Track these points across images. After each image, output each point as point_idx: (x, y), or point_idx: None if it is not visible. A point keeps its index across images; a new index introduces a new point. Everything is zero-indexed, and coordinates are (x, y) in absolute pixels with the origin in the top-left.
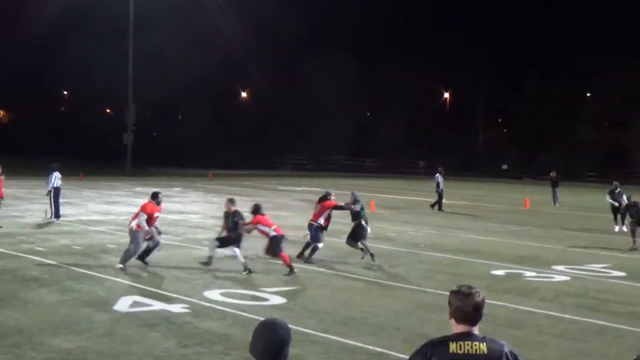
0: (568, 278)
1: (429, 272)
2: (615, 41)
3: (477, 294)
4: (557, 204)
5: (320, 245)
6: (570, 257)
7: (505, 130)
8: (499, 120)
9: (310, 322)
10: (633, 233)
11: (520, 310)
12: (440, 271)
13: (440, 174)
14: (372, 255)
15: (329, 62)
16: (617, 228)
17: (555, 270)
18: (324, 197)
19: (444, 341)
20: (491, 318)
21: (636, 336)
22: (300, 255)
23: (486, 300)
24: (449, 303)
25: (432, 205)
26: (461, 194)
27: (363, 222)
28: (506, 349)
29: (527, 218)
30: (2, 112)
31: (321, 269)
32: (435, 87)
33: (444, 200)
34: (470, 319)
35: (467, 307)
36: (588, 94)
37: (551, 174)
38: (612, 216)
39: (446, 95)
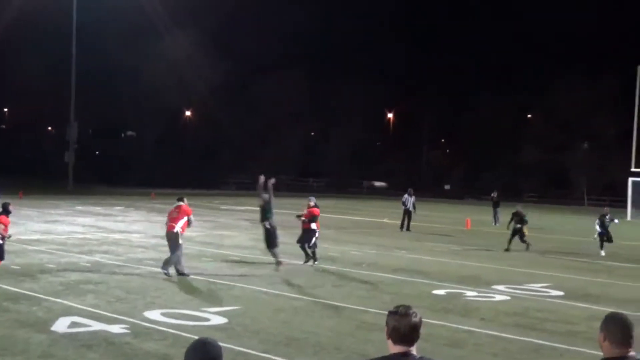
0: (508, 297)
1: (370, 291)
2: (559, 64)
3: (414, 314)
4: (498, 224)
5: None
6: (511, 277)
7: (448, 150)
8: (442, 140)
9: (252, 343)
10: (512, 237)
11: (460, 329)
12: (382, 291)
13: (409, 194)
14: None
15: (279, 82)
16: (603, 253)
17: (496, 289)
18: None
19: None
20: (432, 337)
21: (573, 355)
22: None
23: (427, 320)
24: (386, 324)
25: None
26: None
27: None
28: None
29: (468, 238)
30: None
31: (263, 289)
32: (380, 107)
33: (394, 221)
34: (407, 340)
35: (403, 328)
36: (529, 116)
37: (492, 194)
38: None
39: (390, 115)
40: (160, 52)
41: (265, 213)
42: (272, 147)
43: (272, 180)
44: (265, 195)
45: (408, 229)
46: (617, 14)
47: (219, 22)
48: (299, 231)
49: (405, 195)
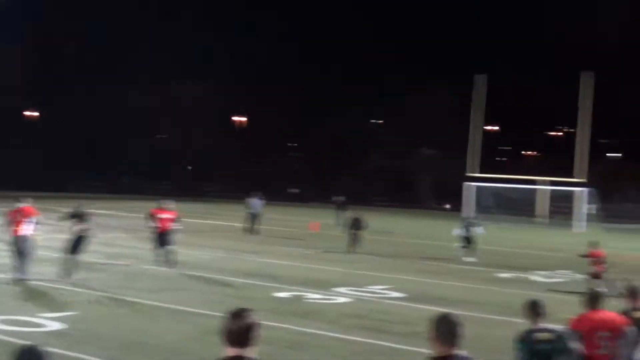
0: (350, 300)
1: (216, 295)
2: (404, 72)
3: (248, 316)
4: (342, 228)
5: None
6: (354, 279)
7: (298, 154)
8: (290, 144)
9: (91, 349)
10: (352, 241)
11: (302, 332)
12: (228, 295)
13: (257, 198)
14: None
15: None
16: (469, 259)
17: (338, 292)
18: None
19: None
20: (274, 340)
21: (414, 355)
22: None
23: (269, 323)
24: (222, 327)
25: (250, 230)
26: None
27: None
28: None
29: (316, 241)
30: None
31: (105, 293)
32: (231, 111)
33: (243, 225)
34: (241, 342)
35: (237, 330)
36: (379, 121)
37: (339, 198)
38: (462, 245)
39: (242, 119)
40: None
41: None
42: (120, 149)
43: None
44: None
45: (256, 232)
46: (457, 23)
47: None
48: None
49: (251, 199)
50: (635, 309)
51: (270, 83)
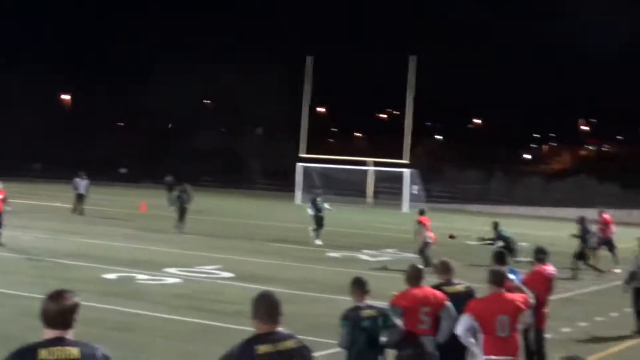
0: (180, 280)
1: (38, 277)
2: (232, 51)
3: (67, 298)
4: (172, 207)
5: None
6: (183, 260)
7: (126, 134)
8: (121, 124)
9: None
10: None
11: (130, 313)
12: (51, 276)
13: (80, 178)
14: None
15: None
16: (318, 242)
17: (168, 272)
18: None
19: (34, 348)
20: (100, 322)
21: (242, 333)
22: None
23: (96, 305)
24: (41, 308)
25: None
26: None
27: None
28: (99, 353)
29: (144, 221)
30: None
31: None
32: (54, 90)
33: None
34: (60, 324)
35: (55, 312)
36: (207, 101)
37: (167, 177)
38: (311, 227)
39: (66, 97)
40: None
41: None
42: None
43: None
44: None
45: (81, 212)
46: (286, 3)
47: None
48: None
49: (77, 179)
50: (448, 284)
51: (96, 62)
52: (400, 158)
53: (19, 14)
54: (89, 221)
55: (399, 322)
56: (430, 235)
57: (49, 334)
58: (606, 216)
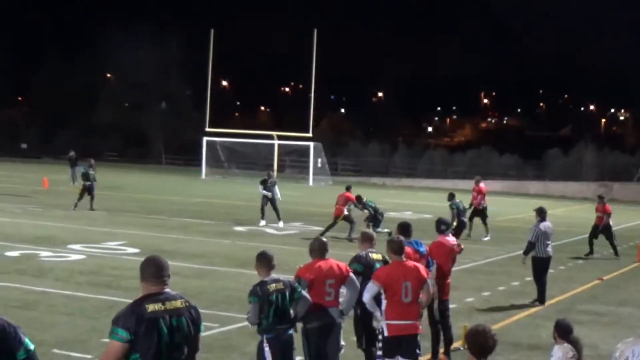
0: (84, 257)
1: None
2: (130, 22)
3: None
4: (76, 183)
5: None
6: (88, 236)
7: (25, 109)
8: (19, 98)
9: None
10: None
11: (34, 291)
12: None
13: None
14: None
15: None
16: (263, 222)
17: (72, 249)
18: None
19: None
20: (2, 300)
21: None
22: None
23: (3, 283)
24: None
25: None
26: None
27: None
28: (14, 327)
29: (46, 198)
30: None
31: None
32: None
33: None
34: None
35: None
36: (108, 75)
37: (70, 153)
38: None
39: None
40: None
41: None
42: None
43: None
44: None
45: None
46: None
47: None
48: None
49: None
50: (369, 253)
51: None
52: (305, 132)
53: None
54: None
55: (305, 294)
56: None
57: None
58: (482, 186)
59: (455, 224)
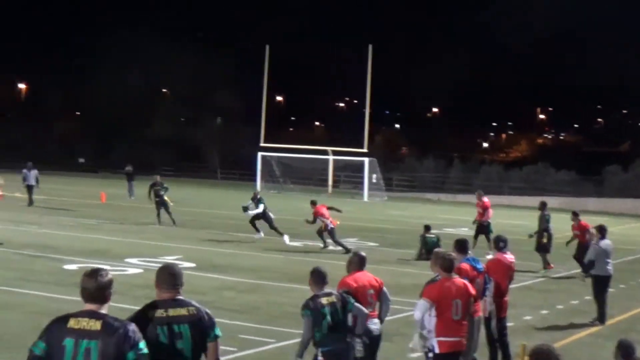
0: (141, 271)
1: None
2: (188, 38)
3: (103, 275)
4: (132, 197)
5: None
6: (144, 250)
7: (82, 123)
8: (77, 113)
9: None
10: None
11: None
12: (10, 267)
13: (28, 169)
14: None
15: None
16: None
17: (129, 263)
18: None
19: (67, 316)
20: (62, 313)
21: None
22: None
23: (58, 296)
24: (80, 284)
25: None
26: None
27: None
28: (123, 329)
29: (102, 211)
30: None
31: None
32: (9, 76)
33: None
34: (97, 298)
35: (93, 288)
36: (164, 90)
37: (127, 167)
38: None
39: (22, 86)
40: None
41: None
42: None
43: None
44: None
45: (31, 203)
46: None
47: None
48: None
49: (24, 170)
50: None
51: (53, 50)
52: (360, 147)
53: None
54: (47, 212)
55: (359, 305)
56: (330, 220)
57: (85, 307)
58: (486, 200)
59: (537, 235)
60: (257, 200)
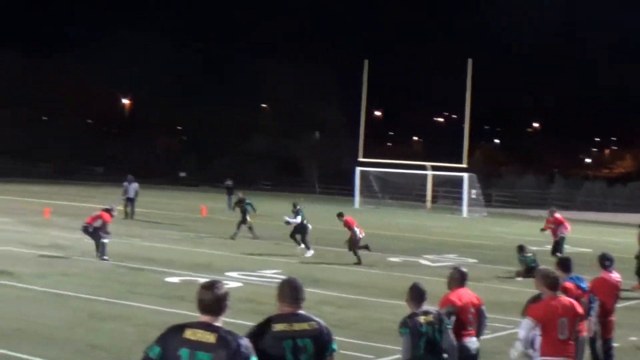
0: (241, 284)
1: (103, 281)
2: (286, 54)
3: (219, 287)
4: (232, 211)
5: (106, 240)
6: (243, 264)
7: (184, 137)
8: (178, 128)
9: None
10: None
11: (194, 317)
12: (115, 280)
13: (128, 182)
14: None
15: None
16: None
17: (229, 277)
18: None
19: (183, 326)
20: (165, 325)
21: None
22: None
23: (161, 308)
24: (197, 296)
25: (127, 215)
26: (138, 202)
27: None
28: (236, 342)
29: (203, 225)
30: None
31: None
32: (114, 91)
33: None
34: (213, 310)
35: (210, 300)
36: (263, 105)
37: (227, 181)
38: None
39: (125, 101)
40: None
41: None
42: None
43: None
44: None
45: (131, 216)
46: (345, 7)
47: None
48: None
49: (125, 183)
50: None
51: (156, 65)
52: (459, 162)
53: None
54: (149, 225)
55: (451, 334)
56: (359, 229)
57: (201, 318)
58: (558, 216)
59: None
60: (296, 212)
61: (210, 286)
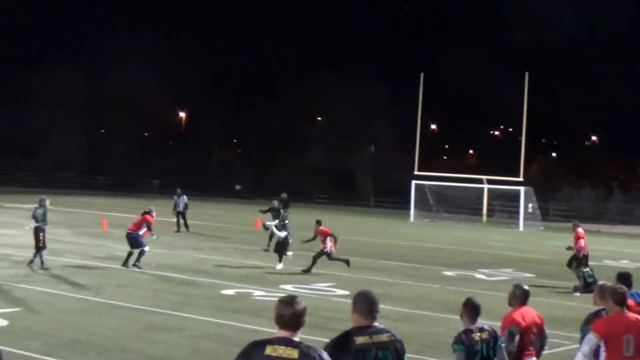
0: None
1: (158, 292)
2: (338, 68)
3: (298, 303)
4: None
5: (146, 248)
6: (297, 277)
7: (239, 150)
8: (234, 140)
9: (33, 345)
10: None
11: (248, 329)
12: (170, 291)
13: (178, 195)
14: None
15: (55, 75)
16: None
17: (284, 289)
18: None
19: (264, 342)
20: (221, 337)
21: None
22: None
23: (216, 320)
24: (275, 311)
25: (179, 228)
26: (194, 214)
27: None
28: (323, 356)
29: (257, 238)
30: None
31: (47, 289)
32: (170, 105)
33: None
34: (292, 325)
35: (290, 315)
36: (318, 118)
37: (281, 195)
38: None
39: (182, 114)
40: None
41: None
42: (52, 143)
43: None
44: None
45: (186, 229)
46: (396, 21)
47: None
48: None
49: (175, 197)
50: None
51: (208, 77)
52: (515, 176)
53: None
54: (204, 237)
55: (509, 345)
56: (331, 245)
57: (280, 333)
58: (580, 231)
59: None
60: (283, 223)
61: (290, 301)
